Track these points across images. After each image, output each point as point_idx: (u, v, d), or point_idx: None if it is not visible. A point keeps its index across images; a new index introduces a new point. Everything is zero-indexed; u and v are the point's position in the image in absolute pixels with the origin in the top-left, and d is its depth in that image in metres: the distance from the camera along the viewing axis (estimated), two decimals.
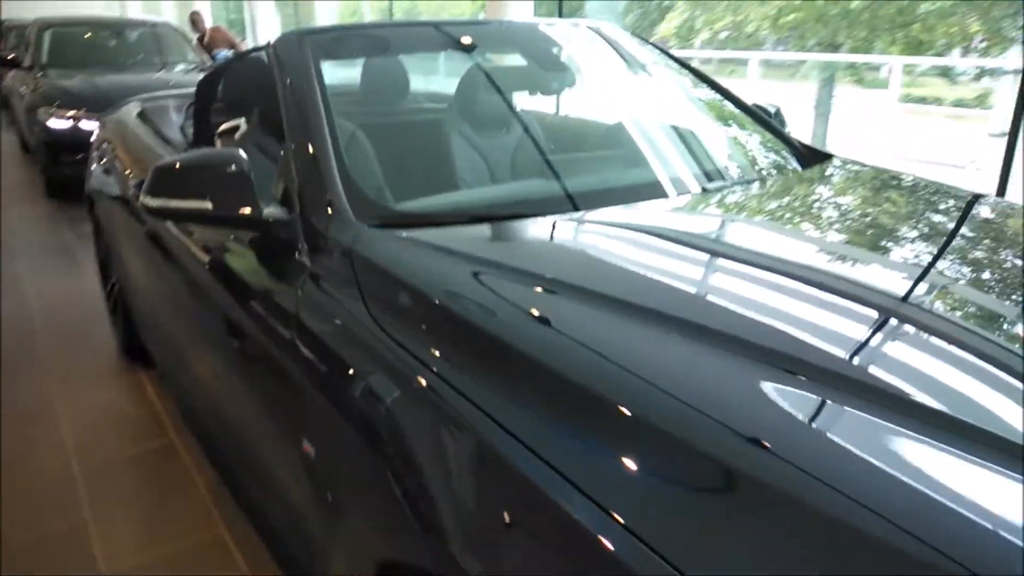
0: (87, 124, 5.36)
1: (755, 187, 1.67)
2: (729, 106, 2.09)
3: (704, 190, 1.62)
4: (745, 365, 0.89)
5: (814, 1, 13.63)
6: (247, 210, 1.44)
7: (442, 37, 2.00)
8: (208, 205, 1.44)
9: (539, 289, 1.13)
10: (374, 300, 1.20)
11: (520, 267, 1.23)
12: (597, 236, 1.40)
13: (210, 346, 1.86)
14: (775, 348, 0.93)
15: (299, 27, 1.94)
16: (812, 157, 1.94)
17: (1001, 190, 3.15)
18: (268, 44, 1.88)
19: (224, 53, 6.63)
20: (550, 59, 2.13)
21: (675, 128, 1.95)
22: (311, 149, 1.52)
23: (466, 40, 1.95)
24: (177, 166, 1.47)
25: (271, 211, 1.48)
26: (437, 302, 1.11)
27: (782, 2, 13.72)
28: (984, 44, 13.94)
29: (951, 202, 1.62)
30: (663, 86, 2.12)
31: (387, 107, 2.09)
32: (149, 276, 2.35)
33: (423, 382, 1.01)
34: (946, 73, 15.61)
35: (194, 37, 7.08)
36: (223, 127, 2.37)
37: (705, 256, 1.31)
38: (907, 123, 8.93)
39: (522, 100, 2.21)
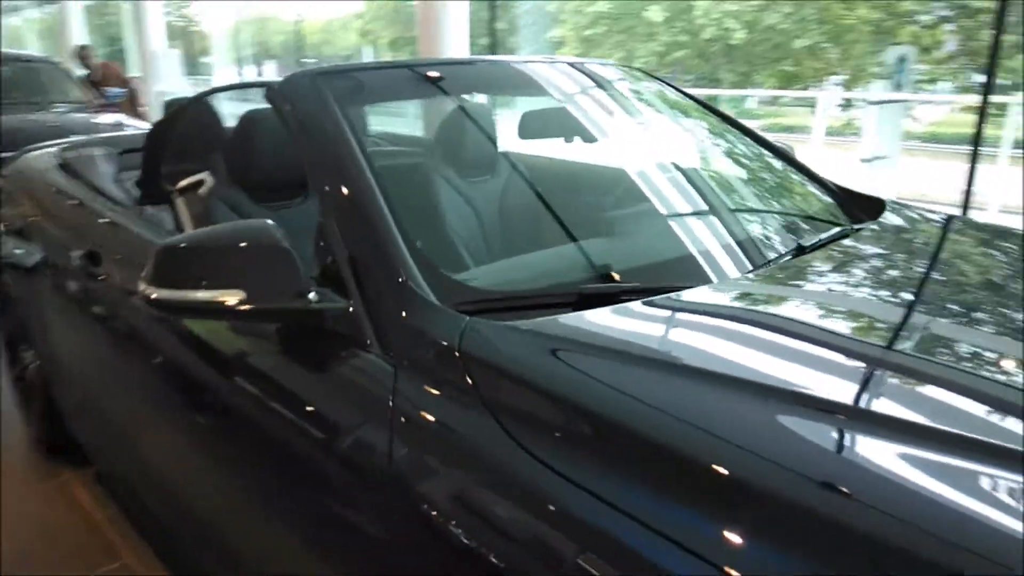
0: None
1: (847, 246, 1.48)
2: (766, 153, 1.95)
3: (801, 248, 1.44)
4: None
5: (697, 38, 14.26)
6: (293, 300, 1.13)
7: (479, 77, 1.75)
8: (239, 296, 1.11)
9: (757, 403, 0.89)
10: (520, 425, 0.90)
11: (710, 369, 0.99)
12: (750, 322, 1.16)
13: (199, 450, 1.50)
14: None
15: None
16: (863, 204, 1.82)
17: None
18: (269, 85, 1.58)
19: (116, 91, 6.03)
20: (595, 104, 1.91)
21: (745, 186, 1.78)
22: (363, 215, 1.23)
23: (511, 81, 1.71)
24: (189, 246, 1.15)
25: (321, 298, 1.17)
26: (630, 428, 0.86)
27: (669, 39, 14.28)
28: (846, 78, 15.04)
29: None
30: (703, 134, 1.95)
31: (408, 159, 1.81)
32: (97, 361, 1.93)
33: (622, 540, 0.76)
34: (812, 104, 16.76)
35: (82, 74, 6.41)
36: (184, 183, 2.01)
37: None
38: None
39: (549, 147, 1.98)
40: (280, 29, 22.36)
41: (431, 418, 0.98)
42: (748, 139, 1.97)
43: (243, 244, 1.13)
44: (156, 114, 7.84)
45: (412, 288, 1.12)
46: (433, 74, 1.67)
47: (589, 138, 1.78)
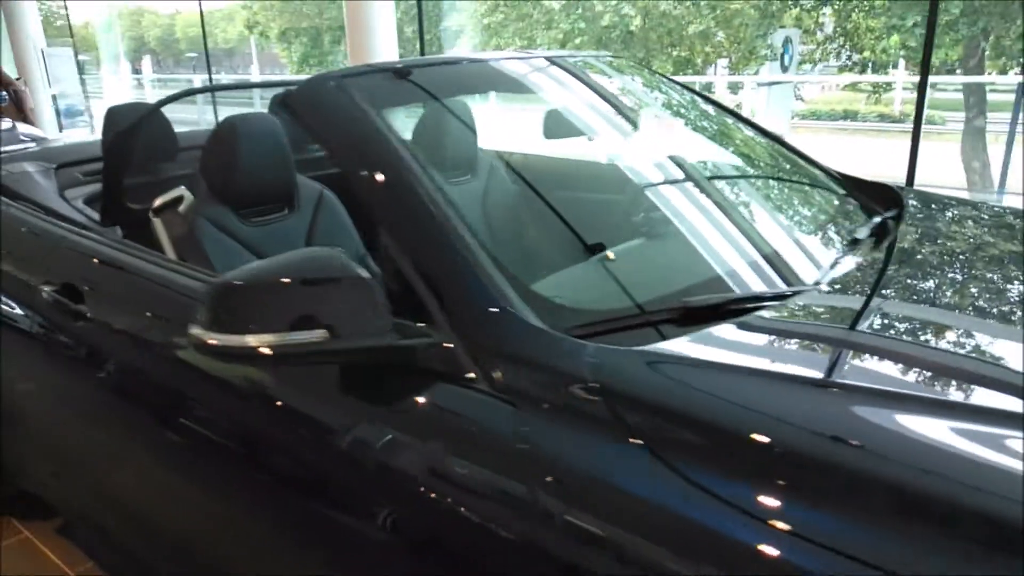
0: None
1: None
2: (777, 145, 1.93)
3: (856, 241, 1.43)
4: None
5: (596, 25, 14.44)
6: (382, 336, 1.02)
7: (504, 75, 1.64)
8: (322, 338, 0.99)
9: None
10: (688, 460, 0.84)
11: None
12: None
13: (226, 503, 1.37)
14: None
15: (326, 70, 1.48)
16: (868, 191, 1.84)
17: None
18: (284, 94, 1.43)
19: (2, 95, 5.47)
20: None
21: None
22: (439, 234, 1.12)
23: (554, 78, 1.62)
24: (251, 283, 1.01)
25: (405, 331, 1.06)
26: (817, 458, 0.80)
27: (568, 26, 14.39)
28: (733, 61, 15.65)
29: None
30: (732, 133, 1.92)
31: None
32: (78, 405, 1.71)
33: None
34: (706, 87, 17.36)
35: None
36: (161, 201, 1.81)
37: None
38: None
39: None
40: (156, 22, 21.05)
41: (580, 462, 0.89)
42: (755, 130, 1.96)
43: (316, 277, 1.01)
44: (48, 120, 7.20)
45: (515, 315, 1.03)
46: (458, 72, 1.56)
47: (617, 135, 1.72)
